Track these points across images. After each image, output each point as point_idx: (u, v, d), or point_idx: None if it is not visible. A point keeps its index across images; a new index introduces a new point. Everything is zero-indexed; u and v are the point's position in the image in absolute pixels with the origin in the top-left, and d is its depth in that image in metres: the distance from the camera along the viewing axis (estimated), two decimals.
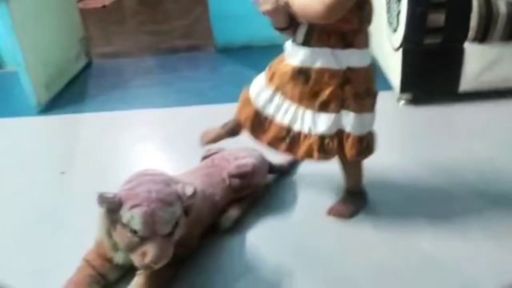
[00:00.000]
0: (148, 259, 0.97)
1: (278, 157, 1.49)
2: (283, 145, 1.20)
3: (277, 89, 1.19)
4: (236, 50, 2.74)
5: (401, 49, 1.79)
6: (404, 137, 1.78)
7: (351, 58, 1.10)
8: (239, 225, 1.30)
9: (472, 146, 1.61)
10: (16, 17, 2.01)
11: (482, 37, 1.71)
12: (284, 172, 1.52)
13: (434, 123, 1.78)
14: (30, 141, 1.95)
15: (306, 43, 1.11)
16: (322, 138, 1.15)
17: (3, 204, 1.49)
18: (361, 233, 1.26)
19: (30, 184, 1.59)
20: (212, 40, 2.82)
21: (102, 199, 0.98)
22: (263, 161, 1.43)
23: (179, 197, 1.03)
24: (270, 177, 1.49)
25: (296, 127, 1.17)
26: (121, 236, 0.99)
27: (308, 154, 1.17)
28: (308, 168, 1.53)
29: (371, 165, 1.53)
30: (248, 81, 2.39)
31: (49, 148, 1.88)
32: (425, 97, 1.90)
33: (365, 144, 1.18)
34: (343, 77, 1.11)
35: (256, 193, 1.39)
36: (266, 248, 1.23)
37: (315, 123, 1.14)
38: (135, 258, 0.99)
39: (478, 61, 1.76)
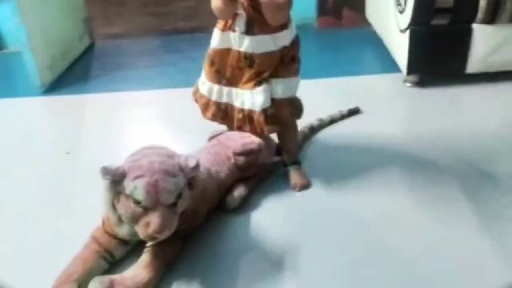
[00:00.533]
0: (151, 229, 0.97)
1: None
2: (246, 127, 1.33)
3: (221, 75, 1.32)
4: None
5: (408, 31, 1.76)
6: (410, 118, 1.77)
7: (286, 37, 1.25)
8: (245, 205, 1.30)
9: (478, 127, 1.60)
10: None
11: (491, 18, 1.69)
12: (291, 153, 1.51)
13: (440, 105, 1.77)
14: (34, 121, 1.95)
15: (248, 32, 1.22)
16: (264, 111, 1.28)
17: (8, 184, 1.49)
18: (369, 208, 1.27)
19: (36, 164, 1.60)
20: (215, 21, 2.79)
21: (106, 171, 0.98)
22: (269, 140, 1.42)
23: (182, 168, 1.04)
24: (276, 159, 1.48)
25: (246, 107, 1.30)
26: (125, 207, 1.00)
27: (261, 129, 1.31)
28: (314, 150, 1.53)
29: (378, 144, 1.54)
30: None
31: (53, 128, 1.88)
32: (431, 79, 1.89)
33: (295, 105, 1.35)
34: (280, 54, 1.26)
35: (262, 172, 1.39)
36: (271, 227, 1.23)
37: (255, 99, 1.26)
38: (139, 229, 1.00)
39: (486, 43, 1.74)
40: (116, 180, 1.00)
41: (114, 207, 1.03)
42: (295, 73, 1.32)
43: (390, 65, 2.00)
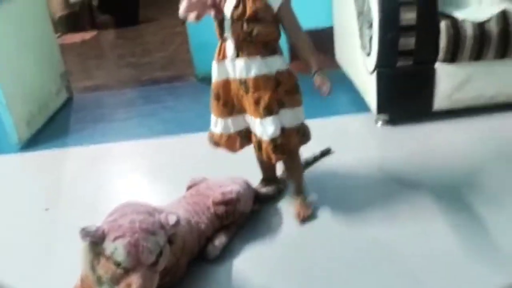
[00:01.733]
0: None
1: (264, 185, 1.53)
2: (256, 152, 1.39)
3: (229, 107, 1.35)
4: None
5: (375, 73, 1.85)
6: (382, 156, 1.81)
7: (277, 63, 1.30)
8: (226, 253, 1.31)
9: (447, 162, 1.66)
10: None
11: (452, 57, 1.78)
12: (269, 199, 1.54)
13: (411, 142, 1.83)
14: (12, 179, 1.94)
15: (238, 56, 1.27)
16: (273, 140, 1.30)
17: None
18: (354, 256, 1.28)
19: (14, 222, 1.58)
20: (192, 70, 2.87)
21: (85, 232, 0.98)
22: (247, 188, 1.45)
23: (162, 226, 1.05)
24: (255, 204, 1.50)
25: (257, 134, 1.34)
26: (105, 269, 0.99)
27: (268, 158, 1.34)
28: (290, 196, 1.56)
29: (350, 183, 1.58)
30: None
31: (32, 185, 1.87)
32: (402, 117, 1.96)
33: (302, 133, 1.38)
34: (275, 80, 1.29)
35: (241, 220, 1.41)
36: (253, 275, 1.23)
37: (265, 128, 1.29)
38: None
39: (449, 81, 1.82)
40: (95, 241, 0.99)
41: (93, 268, 1.02)
42: (300, 102, 1.37)
43: (361, 105, 2.07)
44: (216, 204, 1.34)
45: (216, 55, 1.32)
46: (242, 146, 1.41)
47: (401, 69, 1.82)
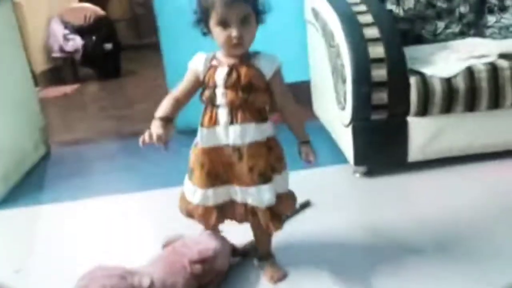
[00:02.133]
0: None
1: (240, 239, 1.51)
2: (250, 219, 1.36)
3: (214, 176, 1.31)
4: (196, 131, 2.80)
5: (351, 126, 1.89)
6: (361, 208, 1.83)
7: (268, 130, 1.29)
8: None
9: (423, 213, 1.68)
10: None
11: (423, 111, 1.84)
12: (247, 254, 1.52)
13: (389, 193, 1.85)
14: None
15: (232, 122, 1.25)
16: (270, 208, 1.30)
17: None
18: None
19: None
20: None
21: None
22: (224, 244, 1.43)
23: None
24: (233, 260, 1.48)
25: (249, 203, 1.31)
26: None
27: (266, 226, 1.32)
28: (274, 250, 1.54)
29: (329, 236, 1.58)
30: None
31: (4, 244, 1.81)
32: (379, 169, 1.99)
33: (291, 197, 1.38)
34: (266, 146, 1.28)
35: (219, 278, 1.38)
36: None
37: (260, 196, 1.28)
38: None
39: (422, 133, 1.88)
40: None
41: None
42: (287, 166, 1.36)
43: (339, 157, 2.11)
44: (193, 263, 1.32)
45: (205, 121, 1.28)
46: (217, 221, 1.36)
47: (375, 122, 1.87)
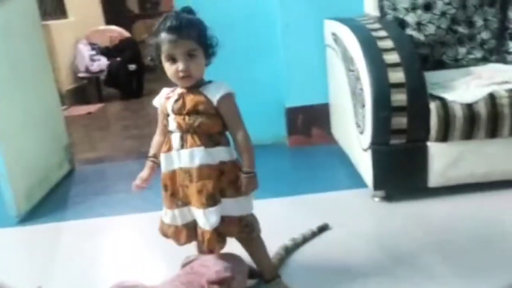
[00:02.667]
0: None
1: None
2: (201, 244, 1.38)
3: (176, 198, 1.37)
4: None
5: (370, 150, 1.89)
6: (379, 233, 1.82)
7: (221, 154, 1.33)
8: None
9: (444, 240, 1.66)
10: (2, 129, 2.10)
11: (443, 137, 1.83)
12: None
13: (408, 219, 1.83)
14: (7, 253, 1.93)
15: (182, 147, 1.31)
16: (216, 229, 1.32)
17: None
18: None
19: None
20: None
21: None
22: (242, 265, 1.44)
23: None
24: (250, 282, 1.49)
25: (201, 226, 1.35)
26: None
27: (211, 247, 1.34)
28: (290, 273, 1.54)
29: (347, 260, 1.57)
30: None
31: (26, 260, 1.85)
32: (399, 194, 1.98)
33: (245, 223, 1.38)
34: (218, 169, 1.32)
35: None
36: None
37: (207, 218, 1.31)
38: None
39: (442, 159, 1.86)
40: None
41: None
42: (244, 192, 1.35)
43: (358, 180, 2.10)
44: (210, 283, 1.32)
45: (163, 148, 1.36)
46: (188, 239, 1.40)
47: (395, 146, 1.86)
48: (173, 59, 1.28)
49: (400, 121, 1.81)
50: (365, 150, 1.94)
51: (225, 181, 1.34)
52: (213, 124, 1.32)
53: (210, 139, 1.32)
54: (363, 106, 1.87)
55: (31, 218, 2.17)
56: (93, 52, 5.04)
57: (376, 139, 1.86)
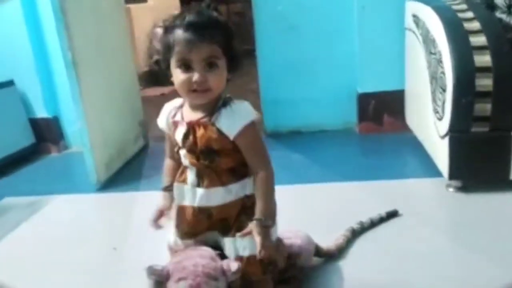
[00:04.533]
0: None
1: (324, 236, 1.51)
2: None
3: (185, 234, 1.18)
4: (284, 135, 2.85)
5: (447, 137, 1.80)
6: (453, 224, 1.73)
7: (246, 188, 1.12)
8: None
9: None
10: (87, 104, 2.24)
11: None
12: (331, 256, 1.51)
13: (485, 211, 1.73)
14: (87, 217, 2.07)
15: (199, 185, 1.10)
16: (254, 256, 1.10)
17: (55, 278, 1.56)
18: None
19: (85, 257, 1.67)
20: (262, 125, 2.96)
21: (151, 271, 1.03)
22: (309, 242, 1.43)
23: (224, 272, 1.07)
24: (316, 260, 1.48)
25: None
26: None
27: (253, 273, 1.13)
28: (357, 254, 1.52)
29: (418, 246, 1.51)
30: (296, 164, 2.47)
31: (104, 224, 1.98)
32: (476, 185, 1.87)
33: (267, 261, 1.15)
34: (241, 204, 1.12)
35: (301, 274, 1.39)
36: None
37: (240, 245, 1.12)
38: None
39: None
40: (160, 280, 1.03)
41: None
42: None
43: (431, 170, 2.01)
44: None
45: (178, 176, 1.16)
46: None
47: (475, 135, 1.76)
48: (186, 66, 1.01)
49: (484, 107, 1.70)
50: (442, 137, 1.85)
51: (244, 218, 1.11)
52: (233, 160, 1.09)
53: (233, 174, 1.11)
54: (444, 91, 1.78)
55: (108, 187, 2.31)
56: None
57: (455, 126, 1.77)
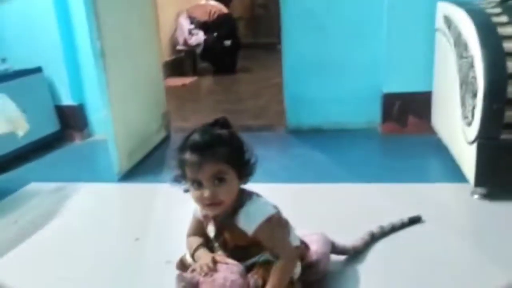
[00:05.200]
0: None
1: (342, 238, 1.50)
2: None
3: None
4: (306, 132, 2.84)
5: (476, 143, 1.77)
6: (477, 232, 1.71)
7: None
8: None
9: None
10: (113, 94, 2.26)
11: None
12: (345, 253, 1.50)
13: (510, 220, 1.70)
14: (108, 206, 2.10)
15: (218, 239, 1.20)
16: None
17: (76, 268, 1.58)
18: None
19: (106, 247, 1.70)
20: (283, 121, 2.95)
21: (181, 278, 1.06)
22: (325, 243, 1.42)
23: None
24: (334, 263, 1.47)
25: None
26: None
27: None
28: (375, 259, 1.51)
29: (440, 253, 1.49)
30: (317, 163, 2.44)
31: (126, 214, 2.00)
32: (502, 193, 1.84)
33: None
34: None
35: (322, 275, 1.38)
36: None
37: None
38: None
39: None
40: None
41: None
42: None
43: (456, 175, 1.98)
44: None
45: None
46: None
47: (505, 142, 1.72)
48: (198, 183, 1.10)
49: None
50: (470, 143, 1.82)
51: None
52: (258, 249, 1.18)
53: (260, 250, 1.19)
54: (474, 96, 1.74)
55: (130, 177, 2.33)
56: (192, 26, 5.20)
57: (484, 132, 1.73)
